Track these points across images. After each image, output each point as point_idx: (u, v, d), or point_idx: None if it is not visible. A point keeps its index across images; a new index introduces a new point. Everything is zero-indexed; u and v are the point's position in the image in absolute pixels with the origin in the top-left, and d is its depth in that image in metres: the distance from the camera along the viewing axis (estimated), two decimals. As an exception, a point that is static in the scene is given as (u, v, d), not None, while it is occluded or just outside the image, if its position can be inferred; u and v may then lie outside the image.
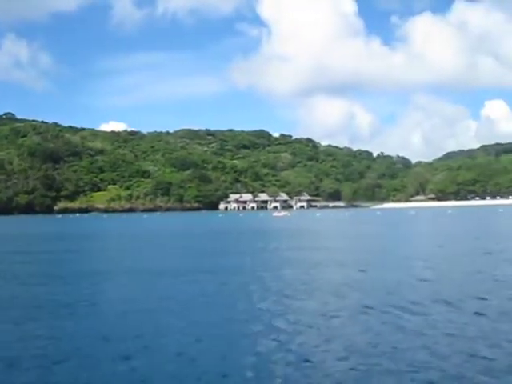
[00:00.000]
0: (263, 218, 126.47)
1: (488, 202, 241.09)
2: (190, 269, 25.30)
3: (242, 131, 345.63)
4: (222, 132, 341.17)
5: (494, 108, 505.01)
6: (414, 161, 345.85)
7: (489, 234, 49.17)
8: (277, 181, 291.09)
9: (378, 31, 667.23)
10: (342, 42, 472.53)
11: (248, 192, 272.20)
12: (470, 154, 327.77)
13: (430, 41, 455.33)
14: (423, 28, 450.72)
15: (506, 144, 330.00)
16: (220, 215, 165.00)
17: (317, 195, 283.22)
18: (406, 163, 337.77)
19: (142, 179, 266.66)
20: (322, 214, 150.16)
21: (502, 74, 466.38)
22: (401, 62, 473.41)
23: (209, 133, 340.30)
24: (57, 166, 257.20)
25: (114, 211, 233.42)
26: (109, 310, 16.00)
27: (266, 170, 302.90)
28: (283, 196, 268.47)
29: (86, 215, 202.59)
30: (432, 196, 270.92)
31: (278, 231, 63.99)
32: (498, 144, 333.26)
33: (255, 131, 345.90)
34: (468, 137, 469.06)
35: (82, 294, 18.78)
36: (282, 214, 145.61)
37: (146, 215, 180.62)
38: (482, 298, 15.86)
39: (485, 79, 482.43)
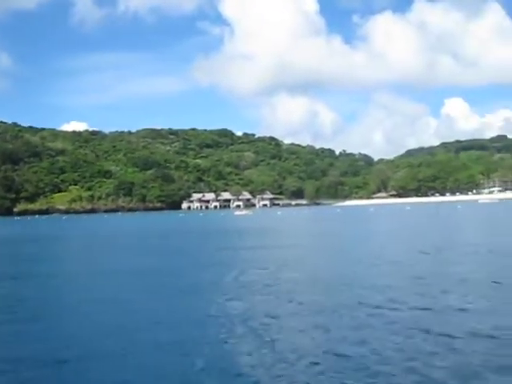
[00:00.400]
0: (225, 217, 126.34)
1: (448, 198, 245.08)
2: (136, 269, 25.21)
3: (205, 130, 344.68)
4: (184, 131, 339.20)
5: (454, 106, 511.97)
6: (376, 158, 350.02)
7: (436, 231, 49.94)
8: (240, 179, 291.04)
9: (339, 30, 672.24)
10: (304, 40, 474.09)
11: (211, 191, 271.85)
12: (430, 151, 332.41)
13: (391, 40, 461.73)
14: (384, 27, 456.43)
15: (465, 141, 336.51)
16: (181, 215, 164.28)
17: (280, 193, 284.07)
18: (368, 161, 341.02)
19: (104, 179, 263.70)
20: (283, 212, 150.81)
21: (461, 73, 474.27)
22: (362, 61, 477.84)
23: (171, 132, 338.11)
24: (16, 167, 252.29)
25: (76, 212, 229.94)
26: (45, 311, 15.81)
27: (229, 169, 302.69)
28: (246, 195, 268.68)
29: (44, 217, 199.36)
30: (393, 193, 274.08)
31: (237, 230, 63.87)
32: (457, 141, 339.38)
33: (218, 130, 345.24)
34: (428, 134, 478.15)
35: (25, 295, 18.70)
36: (244, 212, 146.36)
37: (106, 216, 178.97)
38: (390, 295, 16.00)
39: (444, 78, 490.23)
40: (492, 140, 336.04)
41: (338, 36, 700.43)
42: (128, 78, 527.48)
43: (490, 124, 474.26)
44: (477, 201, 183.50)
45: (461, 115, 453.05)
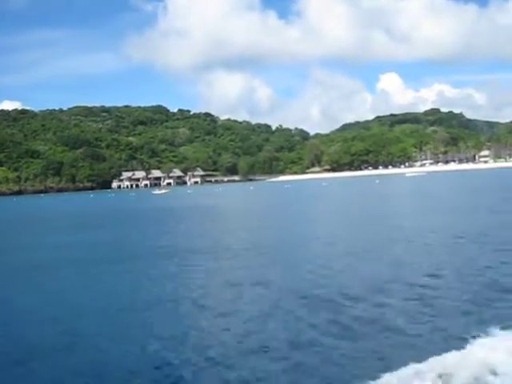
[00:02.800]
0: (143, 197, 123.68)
1: (379, 171, 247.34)
2: None
3: (139, 107, 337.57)
4: (117, 108, 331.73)
5: (389, 81, 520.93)
6: (312, 133, 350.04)
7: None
8: (174, 157, 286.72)
9: (273, 5, 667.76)
10: (238, 15, 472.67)
11: (144, 169, 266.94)
12: (365, 125, 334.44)
13: (325, 15, 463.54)
14: (318, 2, 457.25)
15: (399, 115, 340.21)
16: (110, 195, 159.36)
17: (215, 170, 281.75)
18: (304, 135, 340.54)
19: (32, 159, 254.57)
20: (194, 189, 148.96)
21: (394, 48, 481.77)
22: (297, 36, 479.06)
23: (104, 109, 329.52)
24: None
25: (2, 194, 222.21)
26: None
27: (163, 146, 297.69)
28: (177, 172, 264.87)
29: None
30: (327, 167, 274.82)
31: (144, 211, 61.77)
32: (392, 115, 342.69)
33: (152, 107, 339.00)
34: (364, 109, 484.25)
35: None
36: (163, 191, 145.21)
37: (32, 197, 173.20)
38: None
39: (378, 53, 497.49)
40: (426, 113, 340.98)
41: (272, 11, 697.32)
42: (61, 56, 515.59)
43: (424, 98, 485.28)
44: (404, 174, 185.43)
45: (396, 90, 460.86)
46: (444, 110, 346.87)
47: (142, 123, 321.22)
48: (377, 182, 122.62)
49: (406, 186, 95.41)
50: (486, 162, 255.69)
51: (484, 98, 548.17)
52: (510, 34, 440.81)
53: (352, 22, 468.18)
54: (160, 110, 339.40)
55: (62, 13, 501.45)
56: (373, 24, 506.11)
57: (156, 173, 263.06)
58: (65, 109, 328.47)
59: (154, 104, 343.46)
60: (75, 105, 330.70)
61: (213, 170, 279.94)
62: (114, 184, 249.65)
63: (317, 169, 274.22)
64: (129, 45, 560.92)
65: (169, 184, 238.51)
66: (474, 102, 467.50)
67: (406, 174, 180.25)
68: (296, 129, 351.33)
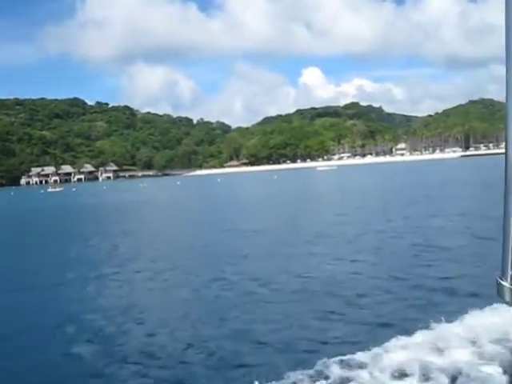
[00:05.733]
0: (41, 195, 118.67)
1: (297, 165, 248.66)
2: None
3: (55, 100, 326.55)
4: (32, 101, 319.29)
5: (311, 75, 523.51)
6: (234, 127, 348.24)
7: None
8: (90, 151, 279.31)
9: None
10: (158, 7, 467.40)
11: (58, 164, 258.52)
12: (286, 118, 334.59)
13: (246, 8, 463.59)
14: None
15: (319, 108, 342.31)
16: (12, 193, 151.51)
17: (133, 164, 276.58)
18: (225, 129, 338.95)
19: None
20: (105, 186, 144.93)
21: (315, 43, 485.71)
22: (219, 30, 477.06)
23: (18, 102, 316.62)
24: None
25: None
26: None
27: (79, 140, 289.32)
28: (88, 167, 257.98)
29: None
30: (245, 161, 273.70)
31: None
32: (312, 108, 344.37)
33: (69, 99, 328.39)
34: (287, 103, 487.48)
35: None
36: (58, 189, 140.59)
37: None
38: None
39: (299, 47, 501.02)
40: (346, 107, 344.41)
41: (193, 4, 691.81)
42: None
43: (345, 93, 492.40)
44: (315, 168, 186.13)
45: (318, 84, 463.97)
46: (363, 103, 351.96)
47: (57, 116, 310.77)
48: (275, 177, 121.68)
49: (298, 183, 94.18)
50: (402, 155, 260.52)
51: (402, 93, 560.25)
52: (425, 32, 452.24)
53: (273, 15, 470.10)
54: (77, 103, 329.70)
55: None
56: (294, 18, 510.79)
57: (66, 168, 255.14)
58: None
59: (71, 97, 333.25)
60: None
61: (130, 165, 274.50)
62: (23, 180, 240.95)
63: (235, 163, 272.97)
64: (45, 35, 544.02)
65: (79, 180, 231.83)
66: (393, 96, 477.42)
67: (317, 168, 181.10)
68: (217, 122, 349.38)
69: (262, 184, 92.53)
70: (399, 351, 8.88)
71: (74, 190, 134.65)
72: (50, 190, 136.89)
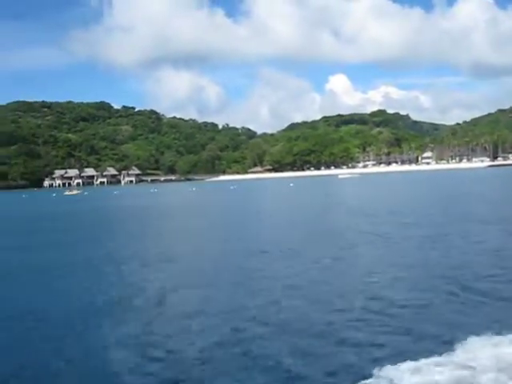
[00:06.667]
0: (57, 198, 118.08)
1: (321, 172, 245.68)
2: None
3: (82, 103, 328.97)
4: (59, 104, 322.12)
5: (337, 82, 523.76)
6: (260, 132, 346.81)
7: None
8: (114, 154, 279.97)
9: (221, 4, 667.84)
10: (185, 12, 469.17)
11: (82, 167, 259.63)
12: (312, 125, 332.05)
13: (273, 15, 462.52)
14: (265, 2, 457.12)
15: (346, 115, 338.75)
16: (24, 195, 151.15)
17: (157, 169, 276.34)
18: (250, 135, 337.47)
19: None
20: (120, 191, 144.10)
21: (342, 49, 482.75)
22: (246, 35, 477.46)
23: (45, 105, 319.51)
24: None
25: None
26: None
27: (103, 144, 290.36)
28: (111, 171, 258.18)
29: None
30: (269, 167, 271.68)
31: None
32: (339, 115, 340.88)
33: (95, 103, 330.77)
34: (312, 110, 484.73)
35: None
36: (74, 192, 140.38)
37: None
38: None
39: (326, 54, 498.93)
40: (372, 114, 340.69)
41: (220, 9, 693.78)
42: (2, 49, 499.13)
43: (371, 100, 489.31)
44: (337, 176, 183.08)
45: (344, 91, 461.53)
46: (390, 111, 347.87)
47: (83, 119, 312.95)
48: (291, 185, 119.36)
49: (307, 191, 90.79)
50: (428, 164, 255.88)
51: (430, 101, 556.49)
52: (453, 39, 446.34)
53: (300, 22, 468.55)
54: (103, 107, 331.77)
55: (4, 4, 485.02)
56: (320, 24, 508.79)
57: (89, 171, 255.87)
58: (4, 104, 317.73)
59: (98, 100, 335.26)
60: (14, 100, 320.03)
61: (154, 169, 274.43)
62: (46, 182, 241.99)
63: (258, 169, 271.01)
64: (73, 40, 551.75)
65: (102, 183, 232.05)
66: (420, 104, 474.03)
67: (339, 176, 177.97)
68: (243, 128, 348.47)
69: (271, 193, 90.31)
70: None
71: (86, 193, 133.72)
72: (66, 193, 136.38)
